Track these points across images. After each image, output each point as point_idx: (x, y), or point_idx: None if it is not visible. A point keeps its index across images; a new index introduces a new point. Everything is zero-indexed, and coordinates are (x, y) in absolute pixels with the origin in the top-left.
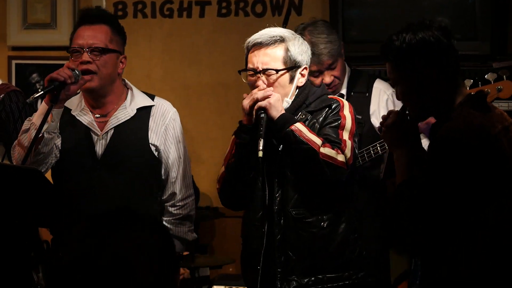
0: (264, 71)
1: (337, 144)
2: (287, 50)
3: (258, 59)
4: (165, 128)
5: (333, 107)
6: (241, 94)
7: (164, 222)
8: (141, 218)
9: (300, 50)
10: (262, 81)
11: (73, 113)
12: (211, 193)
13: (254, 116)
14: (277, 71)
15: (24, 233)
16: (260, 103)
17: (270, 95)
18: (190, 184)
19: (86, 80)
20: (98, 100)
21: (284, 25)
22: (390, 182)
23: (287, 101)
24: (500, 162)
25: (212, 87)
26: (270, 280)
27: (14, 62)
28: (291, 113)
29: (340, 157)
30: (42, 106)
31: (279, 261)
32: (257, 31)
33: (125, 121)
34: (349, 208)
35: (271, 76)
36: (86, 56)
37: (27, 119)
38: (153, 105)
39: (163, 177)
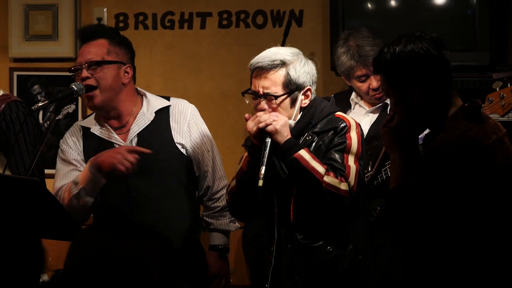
0: (265, 95)
1: (340, 172)
2: (287, 74)
3: (259, 83)
4: (188, 125)
5: (339, 129)
6: (241, 105)
7: (205, 218)
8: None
9: (303, 71)
10: (263, 105)
11: (93, 131)
12: None
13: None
14: (276, 97)
15: (26, 242)
16: (266, 128)
17: (276, 120)
18: (223, 175)
19: (90, 98)
20: (110, 112)
21: (285, 36)
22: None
23: (291, 124)
24: (494, 172)
25: (213, 97)
26: None
27: (15, 73)
28: (297, 135)
29: (343, 186)
30: (85, 170)
31: (287, 286)
32: (258, 43)
33: (146, 126)
34: (356, 227)
35: (272, 101)
36: (84, 72)
37: (73, 181)
38: (170, 105)
39: (196, 174)
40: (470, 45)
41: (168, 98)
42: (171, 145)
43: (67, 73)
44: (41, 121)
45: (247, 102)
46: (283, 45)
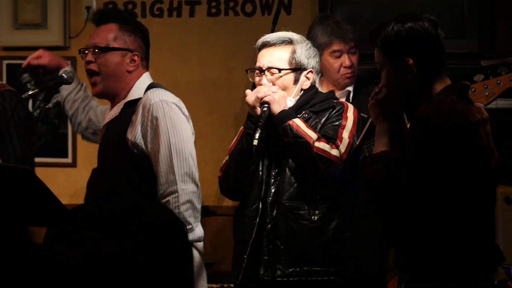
0: (268, 69)
1: (332, 140)
2: (293, 51)
3: (265, 58)
4: (144, 120)
5: (336, 108)
6: (231, 93)
7: None
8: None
9: (308, 53)
10: (264, 81)
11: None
12: (202, 191)
13: (258, 110)
14: (280, 70)
15: (17, 231)
16: (265, 98)
17: (274, 91)
18: (175, 180)
19: (92, 85)
20: (111, 98)
21: (274, 24)
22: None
23: (291, 100)
24: (477, 150)
25: (202, 86)
26: (255, 268)
27: (5, 62)
28: (294, 111)
29: (334, 152)
30: None
31: (267, 249)
32: (247, 31)
33: (112, 119)
34: (344, 206)
35: (274, 75)
36: (89, 56)
37: None
38: (140, 98)
39: (151, 173)
40: (459, 32)
41: (149, 89)
42: (121, 139)
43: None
44: (31, 109)
45: (250, 79)
46: (272, 32)
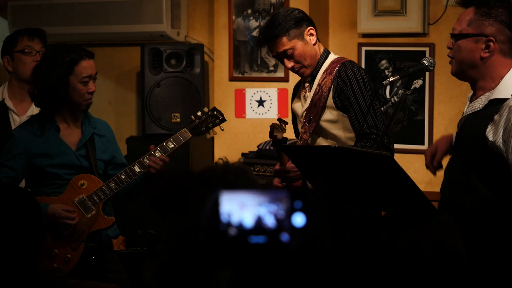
0: None
1: None
2: None
3: None
4: (508, 125)
5: None
6: None
7: None
8: None
9: None
10: None
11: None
12: None
13: None
14: None
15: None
16: None
17: None
18: None
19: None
20: (473, 86)
21: None
22: None
23: None
24: None
25: None
26: None
27: (363, 48)
28: None
29: None
30: None
31: None
32: None
33: (474, 112)
34: None
35: None
36: (449, 43)
37: None
38: (506, 98)
39: (508, 179)
40: None
41: None
42: (481, 136)
43: (415, 48)
44: (387, 96)
45: None
46: None
